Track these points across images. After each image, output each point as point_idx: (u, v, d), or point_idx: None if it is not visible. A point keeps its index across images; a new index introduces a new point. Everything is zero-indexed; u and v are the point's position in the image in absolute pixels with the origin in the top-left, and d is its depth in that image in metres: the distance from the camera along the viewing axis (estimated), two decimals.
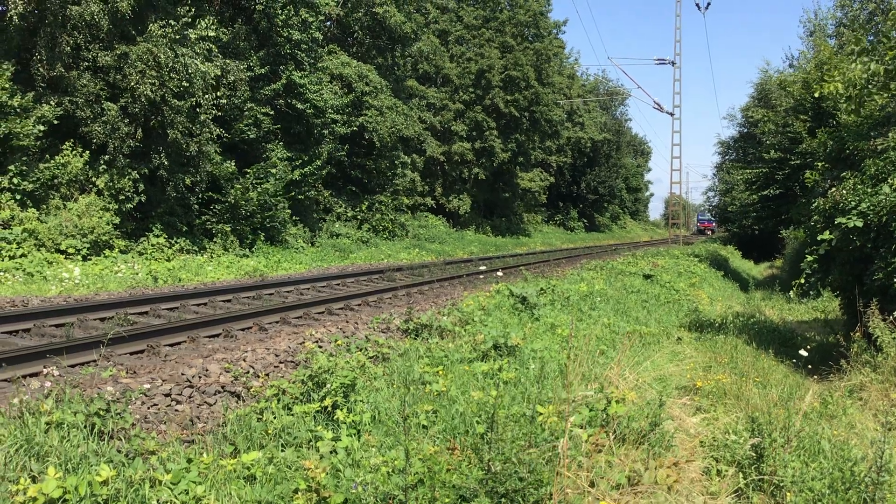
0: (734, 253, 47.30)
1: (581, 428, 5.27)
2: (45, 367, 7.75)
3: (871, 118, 13.37)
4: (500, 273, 20.86)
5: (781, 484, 4.93)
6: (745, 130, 51.49)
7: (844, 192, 11.09)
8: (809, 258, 11.34)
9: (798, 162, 32.89)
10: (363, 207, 33.33)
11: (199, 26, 20.56)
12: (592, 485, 4.52)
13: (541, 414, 5.48)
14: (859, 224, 10.28)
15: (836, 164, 14.09)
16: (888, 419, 6.53)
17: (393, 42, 35.76)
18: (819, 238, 11.10)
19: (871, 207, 10.25)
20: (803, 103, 32.38)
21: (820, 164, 15.24)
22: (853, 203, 10.61)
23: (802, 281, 11.75)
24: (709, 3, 50.71)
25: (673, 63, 48.67)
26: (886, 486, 4.62)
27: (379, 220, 33.71)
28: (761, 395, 7.29)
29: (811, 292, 19.12)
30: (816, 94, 13.52)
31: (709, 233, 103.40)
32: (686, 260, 29.70)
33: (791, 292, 12.40)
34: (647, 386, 7.07)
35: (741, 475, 5.14)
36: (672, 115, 48.40)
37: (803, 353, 9.76)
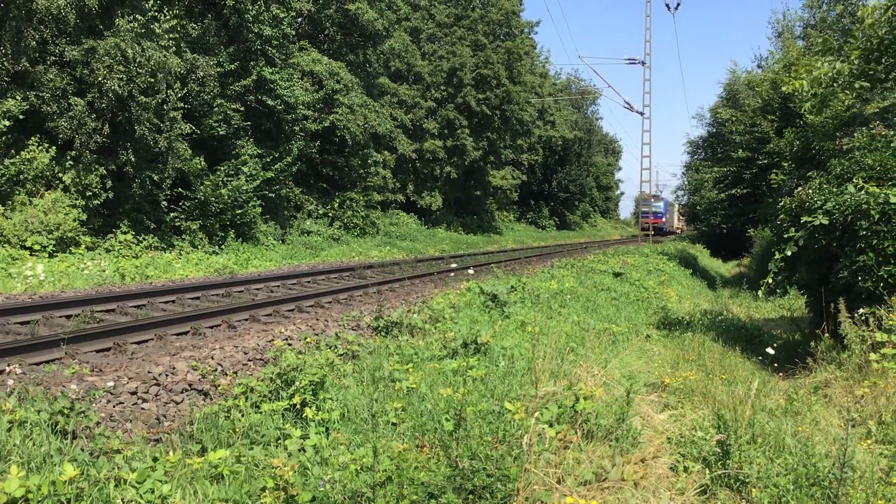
0: (703, 251, 47.74)
1: (549, 424, 5.29)
2: (8, 364, 7.63)
3: (836, 118, 13.56)
4: (471, 271, 20.90)
5: (747, 480, 4.98)
6: (714, 130, 52.00)
7: (810, 191, 11.23)
8: (778, 256, 11.46)
9: (765, 161, 33.34)
10: (334, 205, 33.18)
11: (161, 18, 20.34)
12: (560, 481, 4.54)
13: (509, 411, 5.49)
14: (825, 222, 10.41)
15: (802, 164, 14.29)
16: (852, 416, 6.63)
17: (365, 39, 35.62)
18: (786, 236, 11.23)
19: (837, 206, 10.39)
20: (771, 103, 32.80)
21: (786, 163, 15.45)
22: (819, 202, 10.74)
23: (770, 280, 11.88)
24: (678, 4, 51.20)
25: (643, 63, 49.07)
26: (849, 481, 4.68)
27: (350, 218, 33.59)
28: (728, 392, 7.36)
29: (778, 290, 19.36)
30: (784, 90, 13.69)
31: (676, 229, 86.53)
32: (655, 258, 29.91)
33: (760, 292, 12.51)
34: (616, 383, 7.12)
35: (707, 471, 5.19)
36: (642, 114, 48.82)
37: (770, 350, 9.87)
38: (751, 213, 36.22)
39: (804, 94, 12.75)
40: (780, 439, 5.76)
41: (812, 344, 9.98)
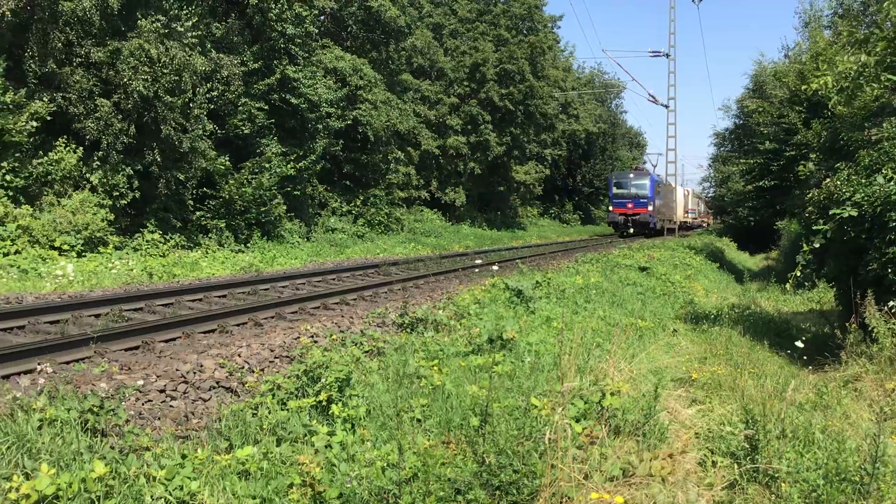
0: (730, 245, 47.35)
1: (576, 420, 5.27)
2: (38, 363, 7.73)
3: (865, 109, 13.37)
4: (495, 267, 20.86)
5: (776, 475, 4.93)
6: (741, 122, 51.49)
7: (839, 182, 11.09)
8: (806, 249, 11.33)
9: (793, 153, 32.96)
10: (358, 202, 33.28)
11: (182, 17, 20.46)
12: (587, 476, 4.52)
13: (535, 407, 5.48)
14: (854, 214, 10.29)
15: (830, 155, 14.11)
16: (883, 409, 6.54)
17: (387, 36, 35.67)
18: (814, 228, 11.11)
19: (866, 198, 10.25)
20: (798, 94, 32.41)
21: (814, 154, 15.25)
22: (847, 194, 10.61)
23: (798, 274, 11.76)
24: None
25: (667, 55, 48.68)
26: (881, 476, 4.62)
27: (374, 215, 33.66)
28: (756, 387, 7.30)
29: (806, 283, 19.16)
30: (805, 89, 13.51)
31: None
32: (682, 252, 29.74)
33: (787, 285, 12.38)
34: (643, 378, 7.08)
35: (736, 466, 5.14)
36: (667, 107, 48.42)
37: (799, 344, 9.77)
38: (778, 205, 35.88)
39: (829, 90, 12.58)
40: (809, 434, 5.71)
41: (838, 333, 9.87)
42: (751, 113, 43.94)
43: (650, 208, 47.03)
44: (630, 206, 47.31)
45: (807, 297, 20.06)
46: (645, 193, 47.27)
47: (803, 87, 14.94)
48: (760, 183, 39.63)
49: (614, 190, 49.01)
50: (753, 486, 4.97)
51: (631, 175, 49.21)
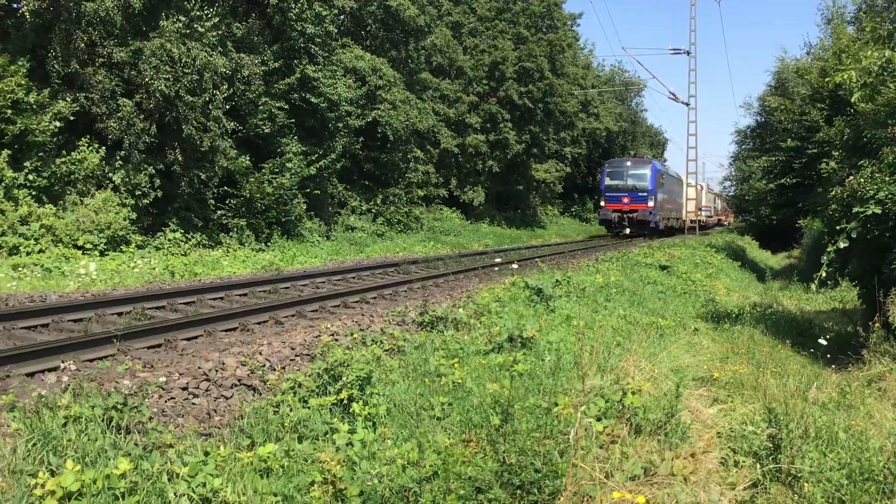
0: (751, 243, 47.07)
1: (597, 419, 5.26)
2: (63, 361, 7.81)
3: (888, 105, 13.22)
4: (515, 265, 20.83)
5: (799, 474, 4.90)
6: (762, 119, 51.01)
7: (862, 180, 10.99)
8: (830, 248, 11.23)
9: (815, 151, 32.67)
10: (377, 201, 33.33)
11: (204, 17, 20.56)
12: (608, 475, 4.51)
13: (556, 405, 5.47)
14: (877, 212, 10.18)
15: (853, 153, 13.98)
16: None
17: (406, 35, 35.68)
18: (838, 228, 11.00)
19: (889, 196, 10.15)
20: (820, 91, 32.12)
21: (837, 152, 15.10)
22: (871, 192, 10.51)
23: (823, 274, 11.65)
24: None
25: (688, 53, 48.42)
26: None
27: (393, 214, 33.69)
28: (779, 386, 7.25)
29: (829, 282, 19.00)
30: (828, 82, 13.39)
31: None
32: (703, 251, 29.58)
33: (812, 285, 12.28)
34: (664, 377, 7.05)
35: (758, 465, 5.11)
36: (687, 104, 48.15)
37: (822, 341, 9.69)
38: (800, 204, 35.59)
39: (853, 85, 12.46)
40: (832, 433, 5.66)
41: (862, 332, 9.79)
42: (772, 110, 43.52)
43: (651, 204, 39.39)
44: (626, 200, 39.58)
45: (829, 295, 19.90)
46: (644, 185, 39.46)
47: (826, 81, 14.81)
48: (782, 181, 39.24)
49: (607, 181, 40.74)
50: (776, 486, 4.94)
51: (628, 163, 41.14)
